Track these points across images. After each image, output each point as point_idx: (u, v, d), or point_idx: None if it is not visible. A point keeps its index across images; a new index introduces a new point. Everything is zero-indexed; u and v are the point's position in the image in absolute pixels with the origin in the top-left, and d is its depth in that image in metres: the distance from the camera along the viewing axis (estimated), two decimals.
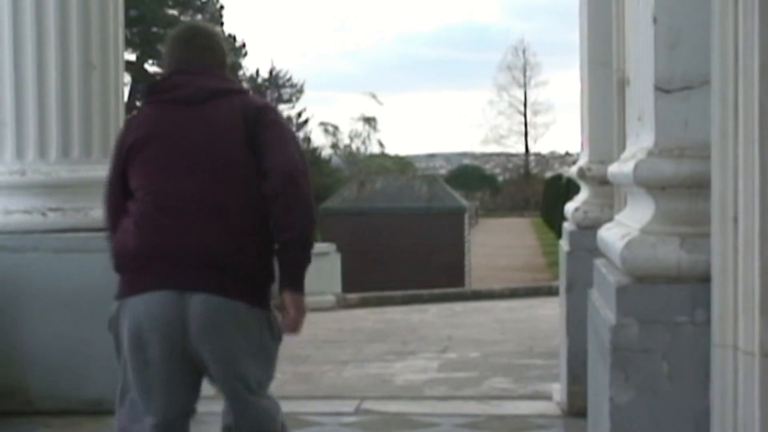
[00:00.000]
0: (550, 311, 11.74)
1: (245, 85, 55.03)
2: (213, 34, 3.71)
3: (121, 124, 6.66)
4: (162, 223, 3.28)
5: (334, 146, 56.17)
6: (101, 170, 6.35)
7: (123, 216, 3.42)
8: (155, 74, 53.76)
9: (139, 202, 3.37)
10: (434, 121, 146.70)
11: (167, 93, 3.53)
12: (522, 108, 78.63)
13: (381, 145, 60.32)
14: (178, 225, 3.27)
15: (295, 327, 3.37)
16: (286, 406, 6.08)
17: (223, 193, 3.30)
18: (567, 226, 6.24)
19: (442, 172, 73.14)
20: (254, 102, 3.53)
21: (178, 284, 3.22)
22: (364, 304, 17.14)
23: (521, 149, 79.80)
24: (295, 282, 3.32)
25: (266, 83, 57.76)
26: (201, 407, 6.52)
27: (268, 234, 3.32)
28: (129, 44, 46.28)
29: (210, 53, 3.61)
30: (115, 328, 3.40)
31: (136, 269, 3.31)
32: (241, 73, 55.50)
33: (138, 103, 51.78)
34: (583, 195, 6.19)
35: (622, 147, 4.23)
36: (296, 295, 3.32)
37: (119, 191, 3.49)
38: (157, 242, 3.27)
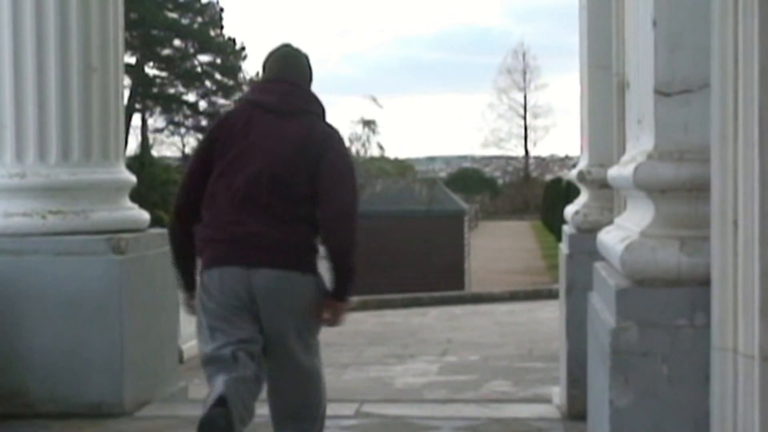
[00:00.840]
0: (550, 314, 11.75)
1: (245, 87, 55.07)
2: (305, 56, 4.47)
3: (122, 126, 6.66)
4: (232, 218, 4.13)
5: None
6: (101, 173, 6.41)
7: (205, 202, 4.23)
8: (155, 77, 53.87)
9: (217, 196, 4.18)
10: (434, 124, 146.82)
11: (260, 94, 4.39)
12: (522, 111, 78.62)
13: (381, 148, 60.12)
14: (243, 219, 4.11)
15: (332, 323, 4.36)
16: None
17: (281, 197, 4.13)
18: (567, 229, 6.24)
19: (442, 175, 73.11)
20: (322, 128, 4.30)
21: (244, 262, 4.08)
22: (364, 307, 17.11)
23: (521, 152, 79.76)
24: (338, 294, 4.28)
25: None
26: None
27: (312, 224, 4.19)
28: (129, 47, 46.21)
29: (300, 71, 4.41)
30: (199, 295, 4.24)
31: (214, 249, 4.15)
32: (241, 75, 55.50)
33: (137, 106, 51.84)
34: (582, 198, 6.19)
35: (622, 150, 4.23)
36: (337, 303, 4.29)
37: (201, 175, 4.28)
38: (228, 232, 4.12)
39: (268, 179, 4.13)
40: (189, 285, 4.43)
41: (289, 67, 4.39)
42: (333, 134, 4.31)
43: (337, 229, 4.20)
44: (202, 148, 4.37)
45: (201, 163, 4.31)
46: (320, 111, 4.37)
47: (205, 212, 4.23)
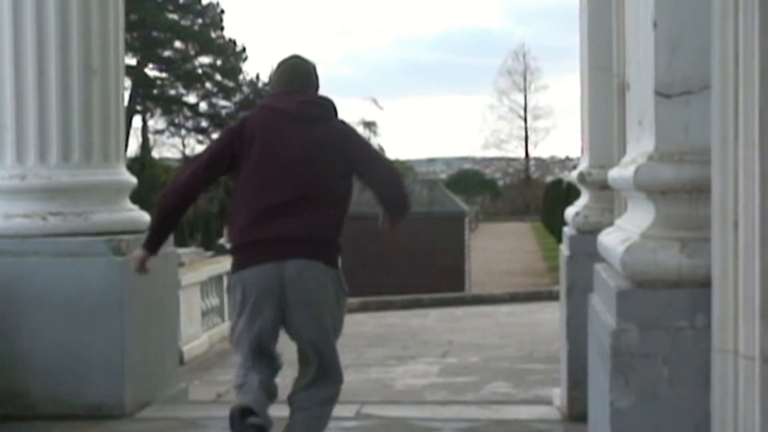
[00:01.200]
0: (551, 316, 11.75)
1: (246, 89, 55.10)
2: (313, 65, 4.82)
3: (122, 128, 6.66)
4: (266, 220, 4.48)
5: None
6: (101, 174, 6.41)
7: (235, 203, 4.64)
8: (155, 78, 53.84)
9: (246, 200, 4.54)
10: (434, 126, 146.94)
11: (278, 103, 4.69)
12: (522, 112, 78.71)
13: (381, 149, 60.25)
14: (276, 220, 4.47)
15: (390, 227, 4.77)
16: (285, 411, 6.07)
17: (311, 198, 4.49)
18: (567, 230, 6.24)
19: (443, 176, 73.15)
20: (341, 127, 4.70)
21: (277, 257, 4.45)
22: (364, 308, 17.12)
23: (521, 154, 79.85)
24: (394, 218, 4.76)
25: (267, 88, 57.64)
26: (200, 412, 6.53)
27: (337, 225, 4.56)
28: (129, 48, 46.20)
29: (310, 80, 4.76)
30: (234, 293, 4.59)
31: (249, 250, 4.50)
32: (241, 77, 55.48)
33: (138, 108, 51.78)
34: (583, 199, 6.19)
35: (623, 152, 4.23)
36: (392, 222, 4.77)
37: (214, 170, 4.67)
38: (263, 233, 4.48)
39: (298, 183, 4.50)
40: (153, 249, 4.79)
41: (301, 76, 4.74)
42: (346, 127, 4.74)
43: (393, 189, 4.69)
44: (220, 147, 4.71)
45: (218, 158, 4.68)
46: (334, 113, 4.71)
47: (236, 214, 4.61)
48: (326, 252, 4.53)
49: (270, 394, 4.56)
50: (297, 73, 4.74)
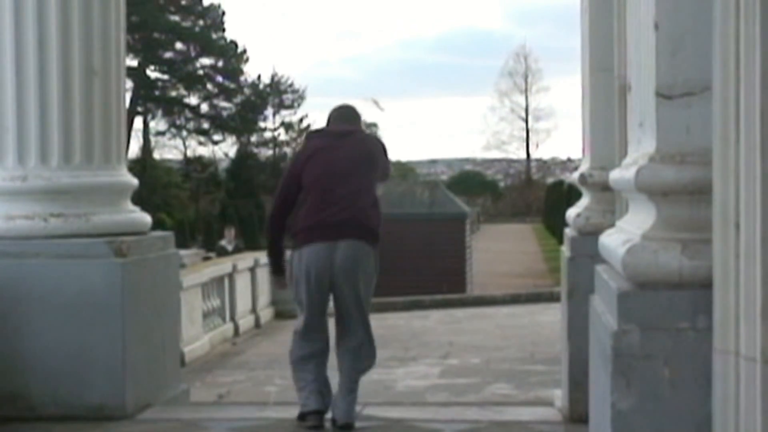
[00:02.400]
0: (552, 317, 11.75)
1: (247, 90, 55.09)
2: (355, 109, 6.27)
3: (123, 129, 6.66)
4: (324, 209, 5.80)
5: None
6: (103, 176, 6.42)
7: (302, 203, 5.89)
8: (157, 80, 53.86)
9: (309, 196, 5.84)
10: (436, 127, 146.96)
11: (324, 134, 6.13)
12: (524, 114, 78.69)
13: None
14: (332, 209, 5.78)
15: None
16: (287, 412, 6.08)
17: (357, 192, 5.83)
18: (568, 232, 6.24)
19: (444, 177, 73.16)
20: (369, 142, 6.16)
21: (332, 238, 5.77)
22: None
23: (523, 155, 79.81)
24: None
25: (268, 89, 57.74)
26: (202, 414, 6.52)
27: (378, 213, 5.94)
28: (131, 50, 46.27)
29: (349, 115, 6.18)
30: (291, 265, 5.89)
31: (309, 232, 5.80)
32: (242, 78, 55.48)
33: (139, 109, 51.76)
34: (584, 201, 6.19)
35: (624, 153, 4.23)
36: None
37: (295, 189, 5.94)
38: (320, 219, 5.79)
39: (345, 187, 5.79)
40: (278, 270, 6.10)
41: (343, 115, 6.12)
42: (372, 143, 6.14)
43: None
44: (294, 174, 5.94)
45: (294, 182, 5.91)
46: (363, 130, 6.20)
47: (302, 210, 5.83)
48: (368, 235, 5.81)
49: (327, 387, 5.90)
50: (341, 113, 6.12)
